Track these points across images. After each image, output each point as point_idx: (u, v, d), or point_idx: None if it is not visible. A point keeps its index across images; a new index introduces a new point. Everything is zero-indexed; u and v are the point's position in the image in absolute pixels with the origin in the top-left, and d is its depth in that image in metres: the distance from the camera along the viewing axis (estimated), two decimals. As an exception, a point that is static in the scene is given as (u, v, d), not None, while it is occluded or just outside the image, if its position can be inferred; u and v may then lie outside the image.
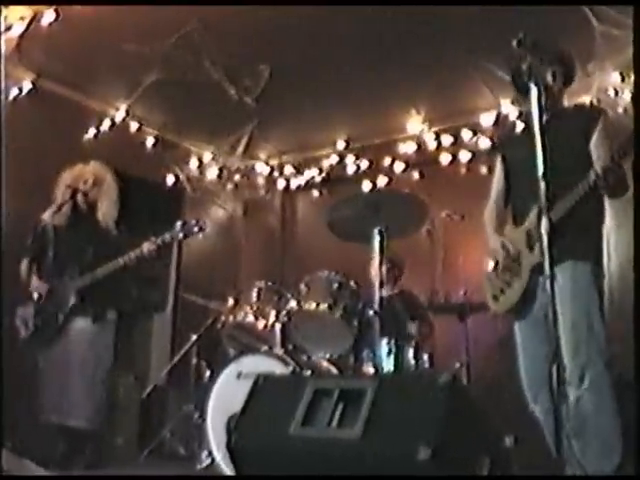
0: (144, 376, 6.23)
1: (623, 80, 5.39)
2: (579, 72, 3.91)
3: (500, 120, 6.03)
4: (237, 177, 7.67)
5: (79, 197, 4.61)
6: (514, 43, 3.05)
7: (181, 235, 4.43)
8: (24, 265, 4.62)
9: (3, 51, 5.05)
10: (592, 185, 2.97)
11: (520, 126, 3.35)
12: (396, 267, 5.51)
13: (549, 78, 3.26)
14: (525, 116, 3.29)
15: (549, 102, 3.14)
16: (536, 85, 2.70)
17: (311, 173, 7.42)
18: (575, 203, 3.00)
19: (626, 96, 5.42)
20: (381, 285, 3.81)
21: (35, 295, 4.52)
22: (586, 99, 5.47)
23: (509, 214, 3.50)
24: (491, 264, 3.40)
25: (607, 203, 3.26)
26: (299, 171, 7.52)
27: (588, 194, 3.00)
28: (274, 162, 7.67)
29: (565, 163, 2.91)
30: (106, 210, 4.64)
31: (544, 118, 2.69)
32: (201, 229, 4.47)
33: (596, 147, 3.18)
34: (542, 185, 2.58)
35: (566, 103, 3.52)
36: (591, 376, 2.91)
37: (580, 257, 3.11)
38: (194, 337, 5.57)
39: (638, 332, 2.80)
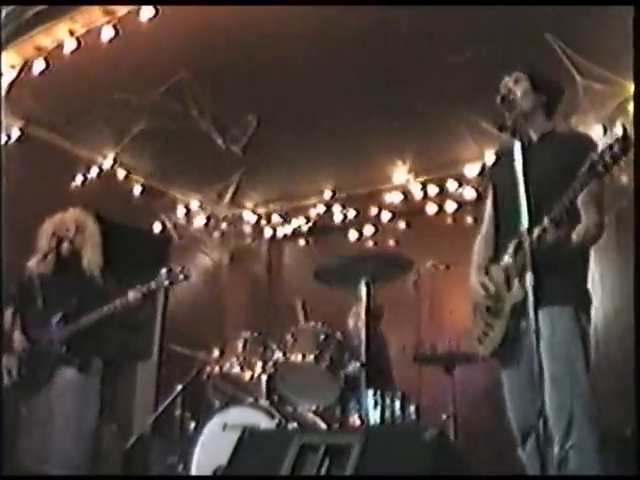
0: (128, 426, 6.15)
1: (605, 133, 5.46)
2: (563, 124, 3.97)
3: (485, 171, 6.08)
4: (224, 225, 7.70)
5: (64, 245, 4.59)
6: (498, 99, 3.11)
7: (167, 282, 4.42)
8: (8, 315, 4.57)
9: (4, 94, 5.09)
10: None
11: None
12: (376, 315, 5.50)
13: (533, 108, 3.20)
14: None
15: (537, 126, 3.16)
16: (520, 141, 2.75)
17: (298, 222, 7.47)
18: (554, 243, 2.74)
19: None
20: (367, 337, 3.80)
21: (18, 348, 4.47)
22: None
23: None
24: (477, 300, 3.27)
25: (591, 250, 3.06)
26: (286, 220, 7.56)
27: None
28: (261, 211, 7.72)
29: (548, 194, 2.74)
30: (91, 257, 4.61)
31: (528, 153, 2.71)
32: (186, 277, 4.47)
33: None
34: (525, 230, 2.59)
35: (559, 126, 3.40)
36: (576, 434, 2.71)
37: (561, 302, 2.87)
38: (179, 387, 5.50)
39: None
